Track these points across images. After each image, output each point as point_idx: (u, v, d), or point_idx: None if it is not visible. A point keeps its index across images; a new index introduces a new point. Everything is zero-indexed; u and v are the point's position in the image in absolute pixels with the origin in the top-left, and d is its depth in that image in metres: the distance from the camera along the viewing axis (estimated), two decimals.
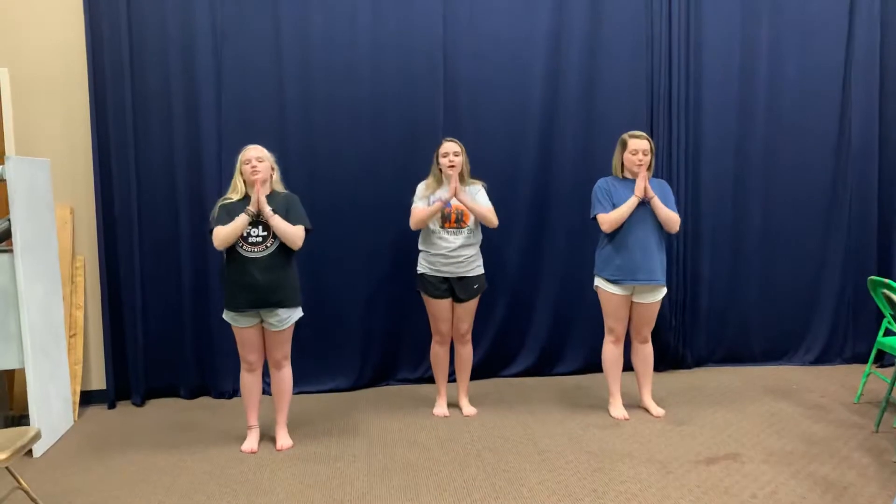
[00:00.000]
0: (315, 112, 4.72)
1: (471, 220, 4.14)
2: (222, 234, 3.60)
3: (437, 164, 4.18)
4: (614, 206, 4.04)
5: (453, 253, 4.12)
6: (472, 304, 4.25)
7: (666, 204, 4.07)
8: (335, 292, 4.82)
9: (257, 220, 3.65)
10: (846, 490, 3.24)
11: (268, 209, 3.61)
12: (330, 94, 4.72)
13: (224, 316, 3.80)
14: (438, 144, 4.22)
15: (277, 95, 4.69)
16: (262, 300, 3.67)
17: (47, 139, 4.55)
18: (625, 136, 4.14)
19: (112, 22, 4.48)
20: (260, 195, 3.60)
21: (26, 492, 2.99)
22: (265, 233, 3.66)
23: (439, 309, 4.23)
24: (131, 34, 4.51)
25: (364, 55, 4.74)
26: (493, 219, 4.15)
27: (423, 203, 4.15)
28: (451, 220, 4.12)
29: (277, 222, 3.62)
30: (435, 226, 4.13)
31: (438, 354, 4.37)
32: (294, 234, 3.67)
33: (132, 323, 4.64)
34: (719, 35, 5.09)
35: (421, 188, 4.23)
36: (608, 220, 4.03)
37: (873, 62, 5.21)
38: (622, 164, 4.13)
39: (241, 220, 3.59)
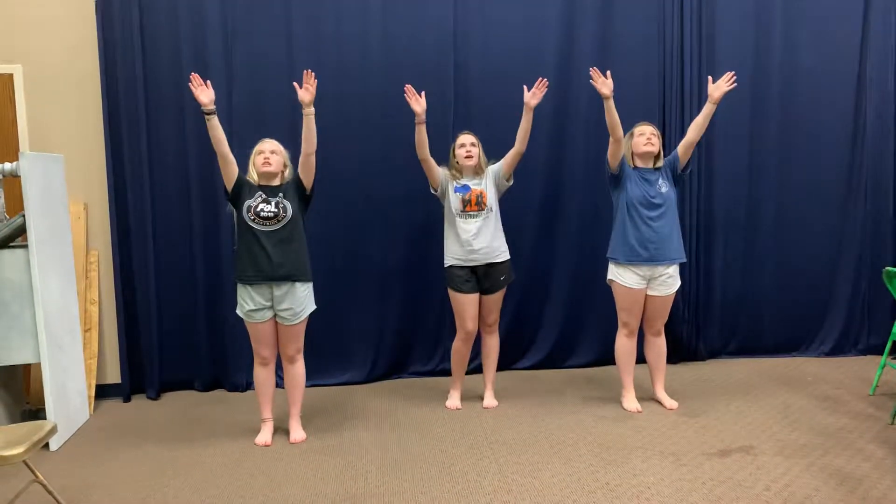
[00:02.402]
0: (326, 108, 4.67)
1: (489, 200, 4.14)
2: (213, 144, 3.69)
3: (455, 156, 4.19)
4: (622, 179, 4.07)
5: (476, 240, 4.11)
6: (499, 295, 4.25)
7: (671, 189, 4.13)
8: (348, 286, 4.83)
9: (269, 198, 3.71)
10: (861, 483, 3.22)
11: (309, 102, 3.71)
12: (341, 90, 4.72)
13: (237, 311, 3.82)
14: (455, 137, 4.24)
15: (288, 91, 4.65)
16: (273, 273, 3.69)
17: (61, 135, 4.58)
18: (631, 128, 4.16)
19: (124, 19, 4.50)
20: (310, 87, 3.70)
21: (43, 485, 3.02)
22: (276, 209, 3.70)
23: (466, 305, 4.19)
24: (143, 31, 4.53)
25: (374, 50, 4.74)
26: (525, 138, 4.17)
27: (444, 169, 4.22)
28: (472, 202, 4.12)
29: (311, 120, 3.71)
30: (458, 209, 4.13)
31: (460, 351, 4.33)
32: (315, 136, 3.74)
33: (146, 317, 4.68)
34: (732, 25, 5.05)
35: (444, 171, 4.25)
36: (610, 136, 4.00)
37: (888, 52, 5.16)
38: (632, 154, 4.14)
39: (207, 123, 3.63)
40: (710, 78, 4.08)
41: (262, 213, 3.69)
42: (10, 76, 4.50)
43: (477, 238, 4.12)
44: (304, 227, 3.85)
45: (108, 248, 4.66)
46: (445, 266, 4.24)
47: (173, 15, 4.56)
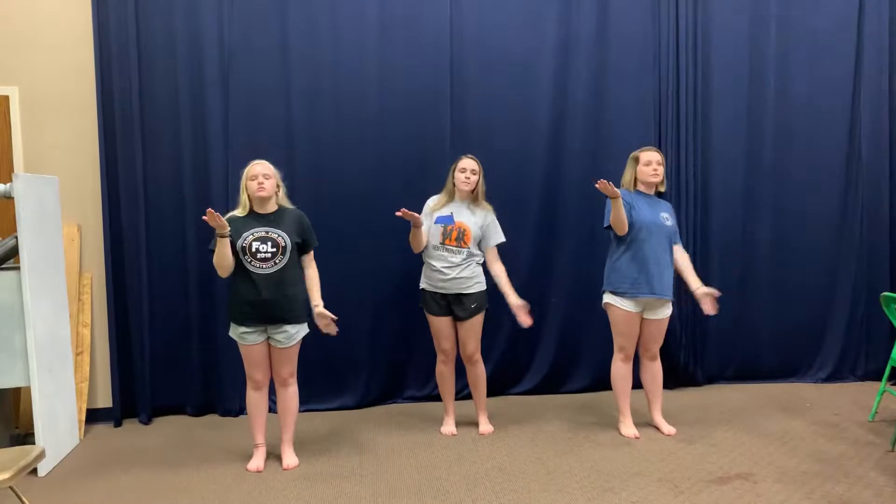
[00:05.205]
0: (322, 130, 4.73)
1: (472, 242, 4.13)
2: (216, 263, 3.64)
3: (453, 177, 4.17)
4: (629, 215, 4.01)
5: (450, 270, 4.10)
6: (474, 323, 4.19)
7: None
8: (342, 309, 4.75)
9: (266, 237, 3.65)
10: None
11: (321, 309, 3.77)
12: (337, 112, 4.73)
13: (230, 333, 3.78)
14: (457, 159, 4.21)
15: (285, 114, 4.70)
16: (268, 316, 3.66)
17: (56, 157, 4.57)
18: (636, 152, 4.16)
19: (121, 42, 4.51)
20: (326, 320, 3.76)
21: None
22: (274, 249, 3.65)
23: (440, 326, 4.21)
24: (140, 53, 4.54)
25: (372, 72, 4.75)
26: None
27: (428, 220, 4.15)
28: (452, 237, 4.10)
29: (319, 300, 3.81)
30: (436, 241, 4.12)
31: (443, 374, 4.33)
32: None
33: (139, 341, 4.63)
34: (727, 49, 5.09)
35: (430, 203, 4.22)
36: (617, 224, 3.98)
37: (882, 74, 5.20)
38: (635, 179, 4.14)
39: (219, 242, 3.58)
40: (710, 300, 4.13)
41: (258, 255, 3.64)
42: (6, 98, 4.50)
43: (449, 270, 4.11)
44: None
45: (102, 271, 4.62)
46: (420, 288, 4.25)
47: (171, 37, 4.57)
